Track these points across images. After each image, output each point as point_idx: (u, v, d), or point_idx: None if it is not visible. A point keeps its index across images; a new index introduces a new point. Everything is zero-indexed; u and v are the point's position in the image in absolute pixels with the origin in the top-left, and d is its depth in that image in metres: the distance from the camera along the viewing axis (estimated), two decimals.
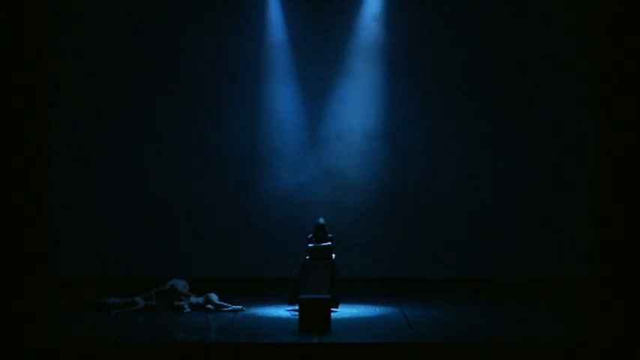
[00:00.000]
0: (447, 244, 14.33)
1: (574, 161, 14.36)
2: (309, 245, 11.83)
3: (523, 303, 12.59)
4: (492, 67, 14.44)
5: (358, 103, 14.54)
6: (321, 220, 11.99)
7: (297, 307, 10.75)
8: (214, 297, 12.02)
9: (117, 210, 14.32)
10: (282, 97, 14.53)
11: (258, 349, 9.53)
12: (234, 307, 11.83)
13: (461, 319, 11.27)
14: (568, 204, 14.33)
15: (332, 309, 11.24)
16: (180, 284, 12.26)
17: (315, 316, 10.31)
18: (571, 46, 14.33)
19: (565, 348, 9.57)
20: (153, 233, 14.30)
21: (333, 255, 11.81)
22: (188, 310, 11.80)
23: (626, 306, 12.17)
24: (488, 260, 14.26)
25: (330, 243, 11.85)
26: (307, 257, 11.81)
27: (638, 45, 13.89)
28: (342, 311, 11.55)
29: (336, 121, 14.55)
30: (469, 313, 11.71)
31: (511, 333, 10.41)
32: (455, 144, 14.47)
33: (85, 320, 11.14)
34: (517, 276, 14.13)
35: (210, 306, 11.87)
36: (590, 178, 14.31)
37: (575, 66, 14.32)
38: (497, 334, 10.30)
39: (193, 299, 12.04)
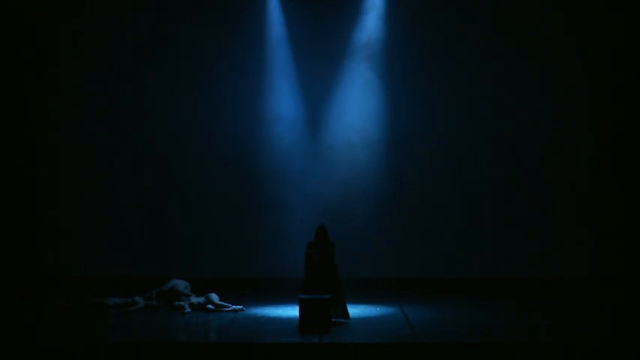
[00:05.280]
0: (447, 245, 14.33)
1: (574, 162, 14.36)
2: (308, 252, 11.66)
3: (523, 303, 12.59)
4: (494, 68, 14.43)
5: (360, 105, 14.52)
6: (322, 225, 11.83)
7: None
8: (214, 297, 12.02)
9: (117, 210, 14.32)
10: (282, 99, 14.53)
11: (258, 349, 9.53)
12: (234, 307, 11.84)
13: (461, 319, 11.27)
14: (568, 204, 14.33)
15: (343, 320, 11.12)
16: (181, 285, 12.26)
17: (315, 316, 10.32)
18: (571, 45, 14.33)
19: (565, 348, 9.57)
20: (153, 233, 14.30)
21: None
22: (188, 310, 11.81)
23: (626, 306, 12.17)
24: (489, 260, 14.26)
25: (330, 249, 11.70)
26: (306, 264, 11.63)
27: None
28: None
29: (337, 123, 14.54)
30: (469, 313, 11.72)
31: (511, 333, 10.41)
32: (456, 145, 14.46)
33: (85, 320, 11.15)
34: (517, 276, 14.12)
35: (210, 306, 11.88)
36: (590, 178, 14.31)
37: (577, 65, 14.32)
38: (497, 334, 10.31)
39: (194, 299, 12.05)
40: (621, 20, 14.03)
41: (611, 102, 14.15)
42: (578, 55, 14.33)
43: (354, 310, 11.70)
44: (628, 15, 13.98)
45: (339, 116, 14.54)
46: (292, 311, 11.31)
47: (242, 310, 11.81)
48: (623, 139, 14.05)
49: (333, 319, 10.79)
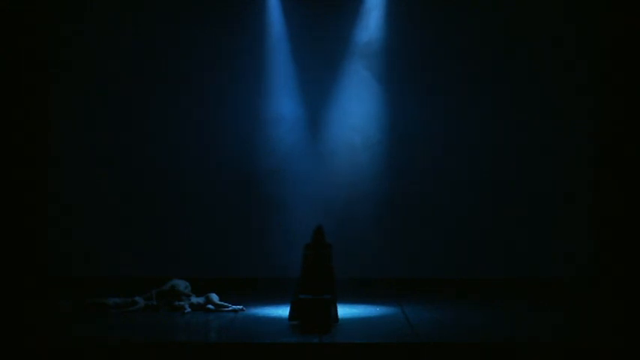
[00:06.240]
0: (447, 245, 14.33)
1: (575, 161, 14.35)
2: (305, 253, 11.63)
3: (523, 303, 12.59)
4: (495, 68, 14.41)
5: (361, 105, 14.52)
6: (319, 227, 11.79)
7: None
8: (215, 297, 12.02)
9: (117, 210, 14.31)
10: (283, 99, 14.52)
11: (258, 349, 9.53)
12: (234, 307, 11.84)
13: (461, 319, 11.28)
14: (569, 204, 14.33)
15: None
16: (181, 285, 12.26)
17: (315, 316, 10.32)
18: (572, 44, 14.34)
19: (565, 348, 9.57)
20: (153, 233, 14.29)
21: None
22: (188, 310, 11.82)
23: (626, 306, 12.17)
24: (489, 260, 14.26)
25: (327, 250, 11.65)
26: (302, 265, 11.60)
27: None
28: (342, 311, 11.49)
29: (338, 124, 14.52)
30: (469, 313, 11.72)
31: (511, 333, 10.41)
32: (457, 146, 14.44)
33: (85, 320, 11.15)
34: (517, 276, 14.13)
35: (210, 306, 11.88)
36: (591, 178, 14.30)
37: (579, 65, 14.32)
38: (497, 334, 10.31)
39: (194, 299, 12.05)
40: (621, 20, 14.02)
41: (612, 102, 14.14)
42: (579, 54, 14.32)
43: (354, 310, 11.71)
44: (629, 15, 13.97)
45: (339, 117, 14.52)
46: None
47: (242, 310, 11.81)
48: (623, 139, 14.04)
49: None
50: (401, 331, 10.49)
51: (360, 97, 14.52)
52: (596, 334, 10.30)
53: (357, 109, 14.52)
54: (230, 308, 11.82)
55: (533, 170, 14.41)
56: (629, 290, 13.26)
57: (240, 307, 11.86)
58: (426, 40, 14.43)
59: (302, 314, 10.50)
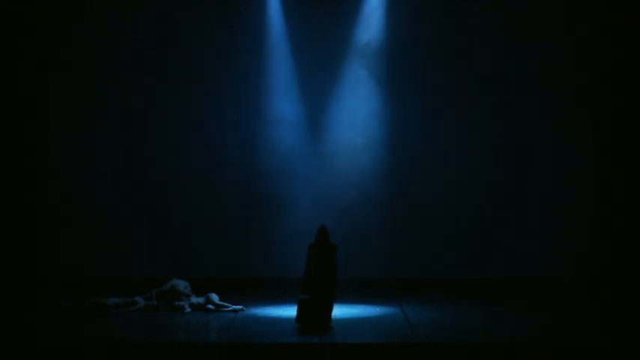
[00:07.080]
0: (447, 245, 14.32)
1: (575, 161, 14.35)
2: (309, 253, 11.58)
3: (523, 303, 12.59)
4: (497, 69, 14.40)
5: (362, 106, 14.51)
6: (323, 227, 11.73)
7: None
8: (215, 297, 12.04)
9: (117, 210, 14.31)
10: (283, 100, 14.51)
11: (258, 349, 9.54)
12: (234, 307, 11.85)
13: (461, 319, 11.28)
14: (569, 204, 14.32)
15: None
16: (182, 285, 12.28)
17: (310, 316, 10.33)
18: (572, 44, 14.33)
19: (565, 348, 9.57)
20: (153, 233, 14.29)
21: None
22: (188, 310, 11.82)
23: (626, 306, 12.17)
24: (488, 260, 14.25)
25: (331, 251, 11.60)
26: (307, 264, 11.56)
27: None
28: (342, 311, 11.51)
29: (339, 125, 14.52)
30: (469, 313, 11.72)
31: (511, 333, 10.41)
32: (457, 146, 14.44)
33: (85, 320, 11.15)
34: (517, 276, 14.12)
35: (210, 306, 11.89)
36: (590, 179, 14.30)
37: (580, 65, 14.31)
38: (497, 334, 10.31)
39: (194, 299, 12.06)
40: (621, 20, 14.02)
41: (612, 102, 14.13)
42: (579, 54, 14.31)
43: (354, 310, 11.71)
44: (629, 15, 13.97)
45: (340, 117, 14.52)
46: (293, 311, 11.28)
47: (242, 310, 11.82)
48: (623, 139, 14.04)
49: None
50: (401, 331, 10.50)
51: (360, 97, 14.52)
52: (596, 335, 10.30)
53: (358, 109, 14.51)
54: (230, 308, 11.83)
55: (533, 170, 14.40)
56: (629, 290, 13.26)
57: (240, 307, 11.87)
58: (426, 40, 14.43)
59: (300, 314, 10.50)
